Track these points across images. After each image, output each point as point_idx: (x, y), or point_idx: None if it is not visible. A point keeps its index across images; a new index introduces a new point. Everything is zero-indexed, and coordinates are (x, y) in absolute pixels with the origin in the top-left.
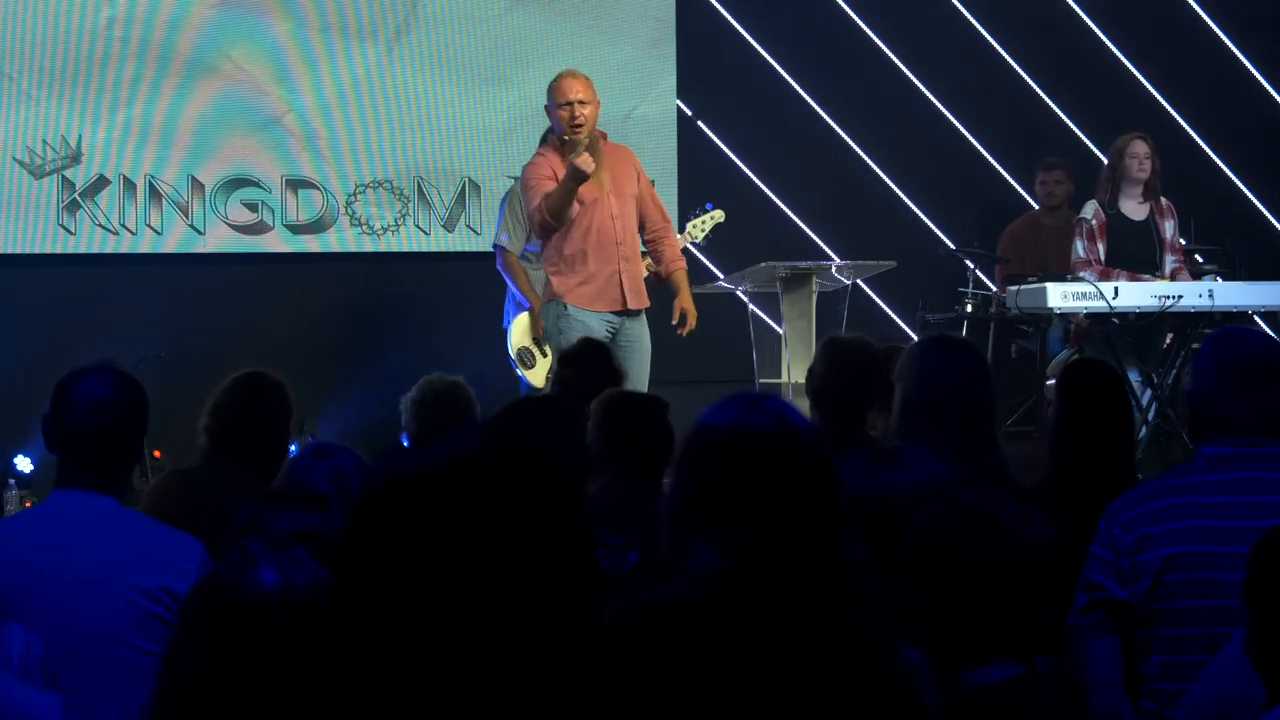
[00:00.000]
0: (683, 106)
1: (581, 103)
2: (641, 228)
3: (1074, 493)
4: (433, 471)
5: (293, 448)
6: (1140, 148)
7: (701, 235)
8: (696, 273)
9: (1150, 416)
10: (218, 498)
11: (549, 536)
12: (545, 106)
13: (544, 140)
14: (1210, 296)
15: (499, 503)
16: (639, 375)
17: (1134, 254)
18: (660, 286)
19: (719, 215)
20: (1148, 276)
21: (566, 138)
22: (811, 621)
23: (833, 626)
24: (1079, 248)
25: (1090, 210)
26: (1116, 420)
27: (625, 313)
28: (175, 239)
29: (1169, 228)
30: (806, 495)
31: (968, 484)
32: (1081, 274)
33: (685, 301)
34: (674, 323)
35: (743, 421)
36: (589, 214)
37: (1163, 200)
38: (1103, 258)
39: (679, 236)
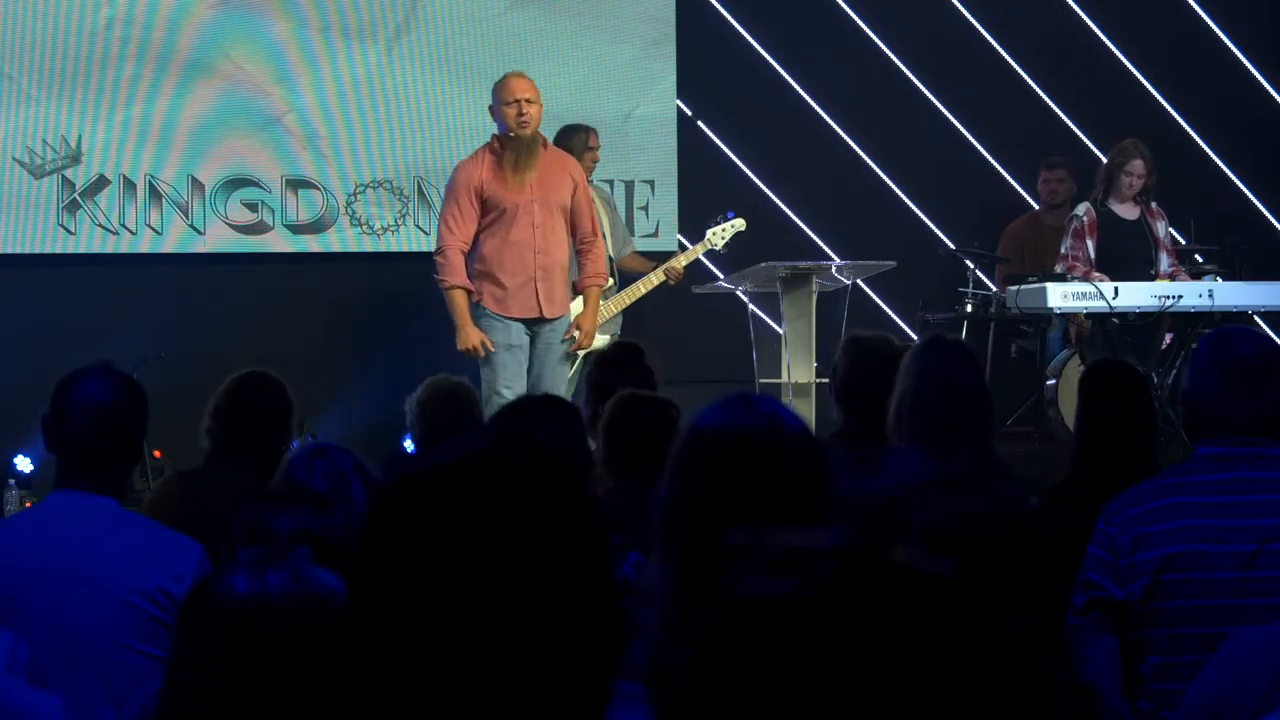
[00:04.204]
0: (683, 106)
1: (528, 101)
2: (575, 235)
3: (1096, 491)
4: (448, 471)
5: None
6: (1137, 166)
7: (721, 243)
8: (697, 273)
9: None
10: (219, 499)
11: (563, 534)
12: (489, 106)
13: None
14: (1210, 296)
15: (513, 501)
16: (554, 380)
17: (1129, 252)
18: (672, 289)
19: (740, 224)
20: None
21: (511, 134)
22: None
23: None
24: (1064, 245)
25: (1082, 209)
26: (1139, 420)
27: (542, 319)
28: (175, 239)
29: (1161, 228)
30: (801, 495)
31: (953, 483)
32: (1057, 268)
33: (584, 318)
34: (562, 339)
35: (736, 422)
36: (508, 221)
37: (1153, 204)
38: (1092, 255)
39: (695, 245)
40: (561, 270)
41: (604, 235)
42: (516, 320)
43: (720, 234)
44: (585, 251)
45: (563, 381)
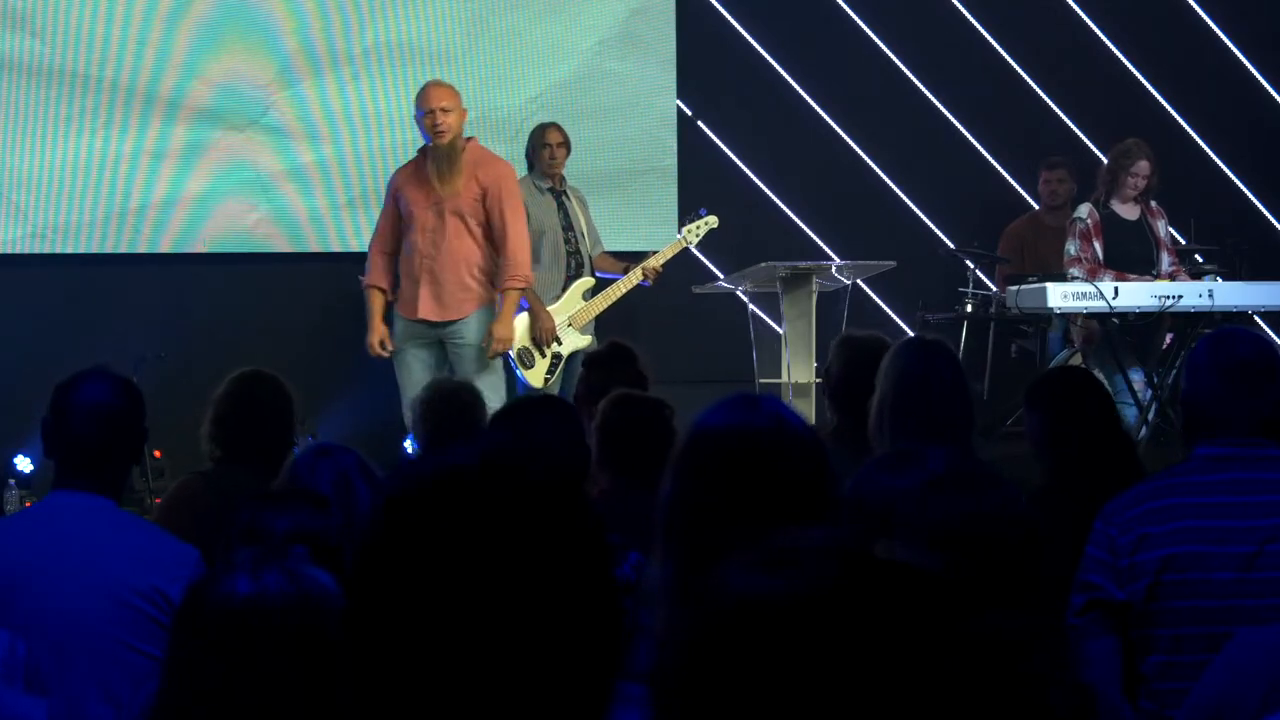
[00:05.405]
0: (683, 106)
1: (444, 110)
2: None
3: (1079, 496)
4: (448, 475)
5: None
6: (1143, 166)
7: (696, 239)
8: (697, 273)
9: (1150, 416)
10: (238, 499)
11: (564, 536)
12: (415, 116)
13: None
14: (1210, 296)
15: (513, 503)
16: (470, 375)
17: (1131, 253)
18: (653, 288)
19: (713, 221)
20: (1134, 276)
21: (432, 144)
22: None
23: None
24: (1071, 247)
25: (1085, 210)
26: (1110, 421)
27: (434, 323)
28: (175, 239)
29: (1161, 227)
30: (804, 494)
31: (953, 482)
32: (1071, 270)
33: (495, 324)
34: (482, 343)
35: (740, 422)
36: (408, 225)
37: (1152, 203)
38: (1100, 257)
39: (671, 244)
40: (456, 274)
41: (581, 235)
42: (415, 321)
43: (694, 231)
44: (497, 255)
45: (481, 383)
